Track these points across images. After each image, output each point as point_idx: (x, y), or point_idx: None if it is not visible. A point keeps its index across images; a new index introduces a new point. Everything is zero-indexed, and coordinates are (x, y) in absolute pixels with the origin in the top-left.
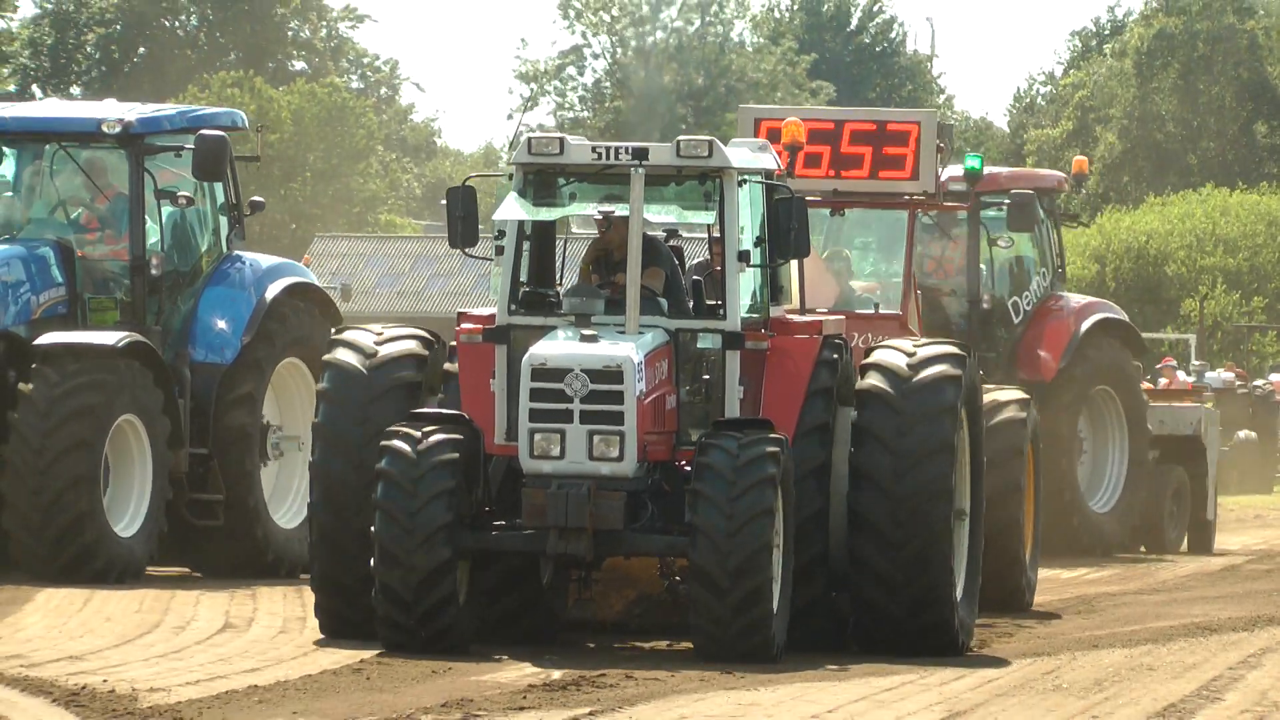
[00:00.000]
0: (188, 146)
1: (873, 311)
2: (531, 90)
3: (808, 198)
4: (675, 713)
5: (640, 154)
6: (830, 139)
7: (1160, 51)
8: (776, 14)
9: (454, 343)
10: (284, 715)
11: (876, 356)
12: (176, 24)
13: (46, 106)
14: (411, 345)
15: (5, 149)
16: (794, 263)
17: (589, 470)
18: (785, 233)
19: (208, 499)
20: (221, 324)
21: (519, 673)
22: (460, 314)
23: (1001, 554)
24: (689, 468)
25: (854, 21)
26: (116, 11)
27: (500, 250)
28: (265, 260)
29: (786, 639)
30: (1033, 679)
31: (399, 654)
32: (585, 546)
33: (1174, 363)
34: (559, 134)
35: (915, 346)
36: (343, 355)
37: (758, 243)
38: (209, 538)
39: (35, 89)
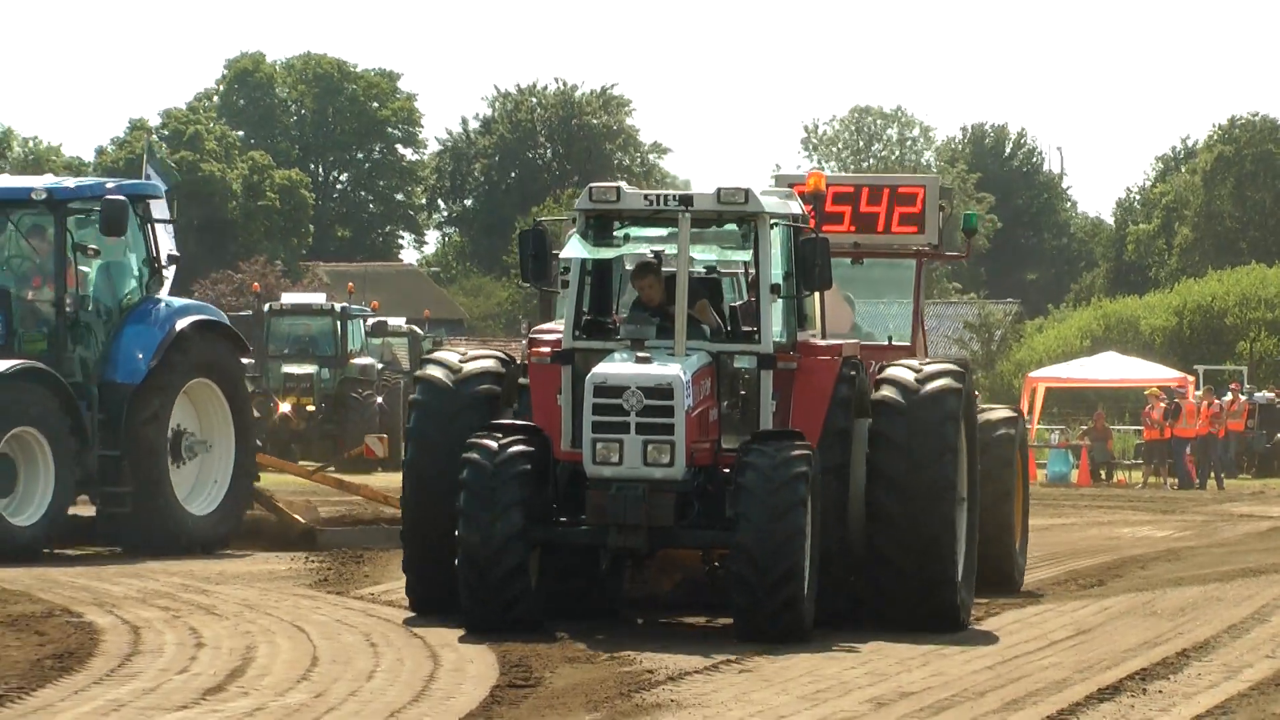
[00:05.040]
0: (98, 209)
1: (886, 343)
2: None
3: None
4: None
5: (686, 200)
6: (851, 200)
7: (1221, 169)
8: (952, 145)
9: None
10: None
11: (890, 369)
12: (537, 155)
13: None
14: (491, 364)
15: None
16: (816, 294)
17: (644, 474)
18: (810, 268)
19: (117, 491)
20: (135, 351)
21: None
22: (530, 339)
23: (996, 545)
24: (728, 471)
25: (1007, 150)
26: (495, 147)
27: (565, 284)
28: (178, 302)
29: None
30: (1135, 607)
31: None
32: (641, 541)
33: (1238, 386)
34: (616, 183)
35: (921, 364)
36: (433, 371)
37: (786, 277)
38: (127, 524)
39: (440, 202)
